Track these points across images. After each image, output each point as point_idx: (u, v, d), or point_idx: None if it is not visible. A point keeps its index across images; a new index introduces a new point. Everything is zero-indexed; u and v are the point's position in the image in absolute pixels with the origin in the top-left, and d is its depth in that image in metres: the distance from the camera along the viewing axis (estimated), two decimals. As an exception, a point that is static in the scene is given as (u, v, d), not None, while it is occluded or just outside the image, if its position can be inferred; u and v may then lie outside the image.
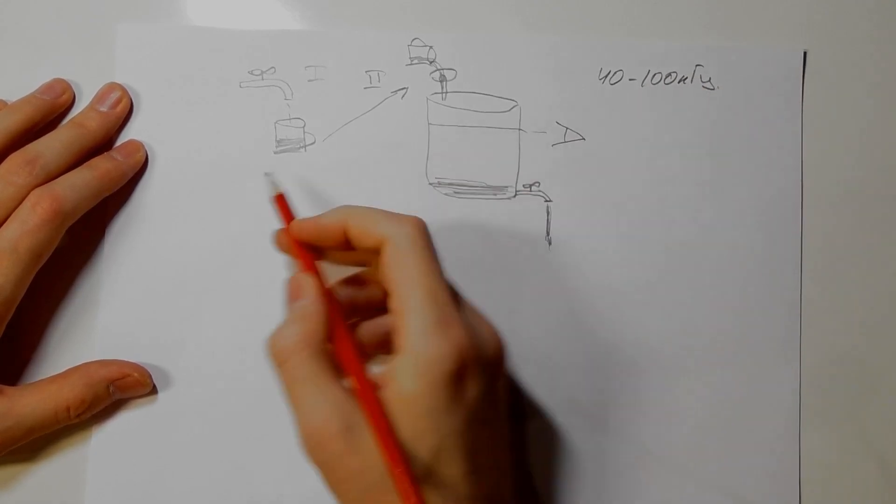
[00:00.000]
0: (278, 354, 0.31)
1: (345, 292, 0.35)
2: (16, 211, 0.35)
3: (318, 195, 0.39)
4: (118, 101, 0.39)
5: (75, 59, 0.40)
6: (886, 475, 0.40)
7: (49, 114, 0.38)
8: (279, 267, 0.39)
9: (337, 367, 0.31)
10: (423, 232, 0.32)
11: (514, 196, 0.40)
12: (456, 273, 0.39)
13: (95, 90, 0.39)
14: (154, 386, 0.38)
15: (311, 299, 0.32)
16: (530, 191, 0.40)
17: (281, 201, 0.35)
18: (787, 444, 0.39)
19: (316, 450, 0.30)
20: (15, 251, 0.34)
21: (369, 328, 0.35)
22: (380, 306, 0.35)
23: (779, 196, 0.40)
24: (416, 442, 0.29)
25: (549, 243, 0.39)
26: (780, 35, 0.41)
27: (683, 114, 0.40)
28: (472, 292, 0.38)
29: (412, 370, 0.29)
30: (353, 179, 0.39)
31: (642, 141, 0.40)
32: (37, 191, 0.35)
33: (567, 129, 0.40)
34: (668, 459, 0.39)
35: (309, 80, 0.40)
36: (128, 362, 0.38)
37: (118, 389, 0.37)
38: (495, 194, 0.40)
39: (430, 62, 0.40)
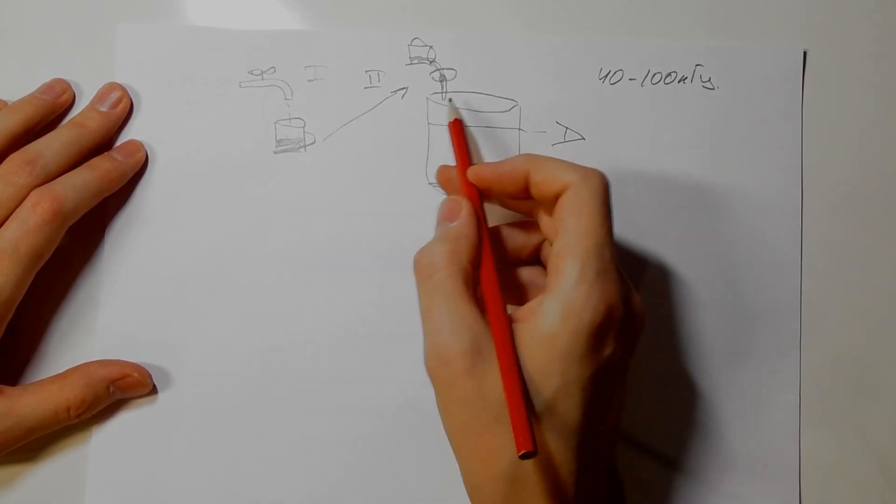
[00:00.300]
0: (423, 269, 0.32)
1: (503, 233, 0.36)
2: (16, 211, 0.35)
3: (317, 195, 0.39)
4: (118, 101, 0.39)
5: (75, 59, 0.40)
6: (886, 475, 0.40)
7: (49, 114, 0.38)
8: (279, 266, 0.39)
9: (477, 294, 0.32)
10: (605, 186, 0.32)
11: (514, 196, 0.39)
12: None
13: (95, 90, 0.39)
14: (154, 386, 0.38)
15: (463, 221, 0.33)
16: (530, 191, 0.39)
17: (457, 128, 0.36)
18: (787, 444, 0.39)
19: (438, 366, 0.30)
20: (15, 251, 0.34)
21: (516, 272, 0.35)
22: (529, 257, 0.35)
23: (779, 196, 0.40)
24: (541, 379, 0.30)
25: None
26: (780, 35, 0.41)
27: (683, 114, 0.40)
28: (472, 292, 0.38)
29: (560, 310, 0.30)
30: (353, 179, 0.39)
31: (642, 141, 0.40)
32: (37, 191, 0.35)
33: (567, 128, 0.40)
34: (668, 459, 0.39)
35: (309, 80, 0.40)
36: (128, 362, 0.38)
37: (118, 389, 0.37)
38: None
39: (430, 62, 0.40)
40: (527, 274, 0.36)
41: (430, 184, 0.39)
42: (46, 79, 0.39)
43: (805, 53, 0.41)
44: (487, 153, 0.40)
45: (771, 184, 0.40)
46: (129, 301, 0.39)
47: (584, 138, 0.40)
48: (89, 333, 0.39)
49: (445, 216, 0.34)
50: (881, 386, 0.40)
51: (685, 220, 0.40)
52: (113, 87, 0.39)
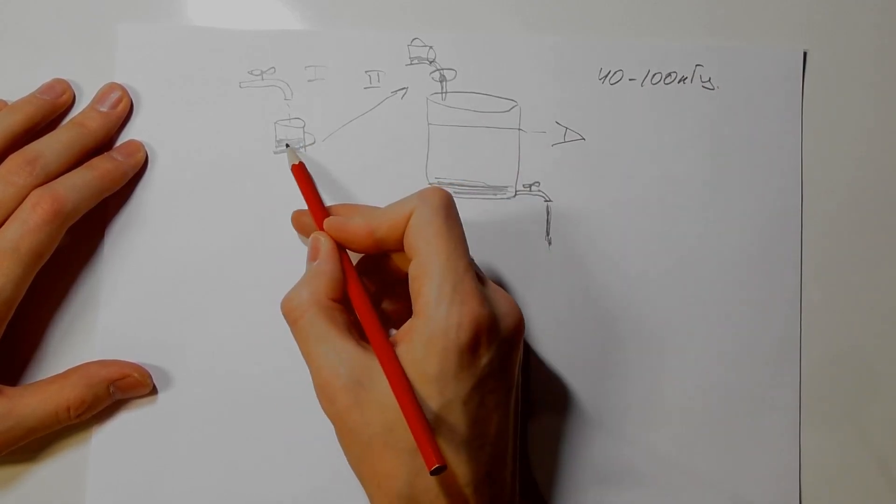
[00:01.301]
0: (289, 313, 0.32)
1: (374, 261, 0.36)
2: (16, 211, 0.35)
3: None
4: (118, 101, 0.39)
5: (75, 59, 0.40)
6: (886, 475, 0.40)
7: (49, 114, 0.38)
8: (279, 266, 0.39)
9: (351, 324, 0.32)
10: (447, 203, 0.32)
11: (514, 196, 0.40)
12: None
13: (95, 90, 0.39)
14: (154, 386, 0.38)
15: (322, 259, 0.33)
16: (530, 191, 0.40)
17: (300, 173, 0.36)
18: (787, 444, 0.39)
19: (326, 402, 0.31)
20: (16, 251, 0.34)
21: (389, 301, 0.36)
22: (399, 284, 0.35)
23: (779, 196, 0.40)
24: (422, 401, 0.30)
25: (549, 243, 0.39)
26: (780, 35, 0.41)
27: (683, 114, 0.40)
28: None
29: (426, 334, 0.30)
30: (353, 179, 0.39)
31: (642, 141, 0.40)
32: (37, 191, 0.35)
33: (567, 129, 0.40)
34: (669, 459, 0.39)
35: (309, 80, 0.40)
36: (128, 363, 0.38)
37: (118, 390, 0.37)
38: (495, 194, 0.40)
39: (430, 62, 0.40)
40: (391, 305, 0.36)
41: (430, 184, 0.39)
42: (46, 79, 0.39)
43: (805, 54, 0.41)
44: (487, 153, 0.40)
45: (771, 184, 0.40)
46: (129, 301, 0.39)
47: (584, 138, 0.40)
48: (89, 333, 0.39)
49: (309, 256, 0.34)
50: (881, 386, 0.40)
51: (685, 220, 0.40)
52: (113, 87, 0.39)
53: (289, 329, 0.38)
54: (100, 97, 0.39)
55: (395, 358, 0.30)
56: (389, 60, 0.40)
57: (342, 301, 0.33)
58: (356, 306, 0.33)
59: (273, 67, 0.40)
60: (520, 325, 0.33)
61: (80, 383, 0.36)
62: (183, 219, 0.39)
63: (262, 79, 0.40)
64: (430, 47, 0.40)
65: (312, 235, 0.34)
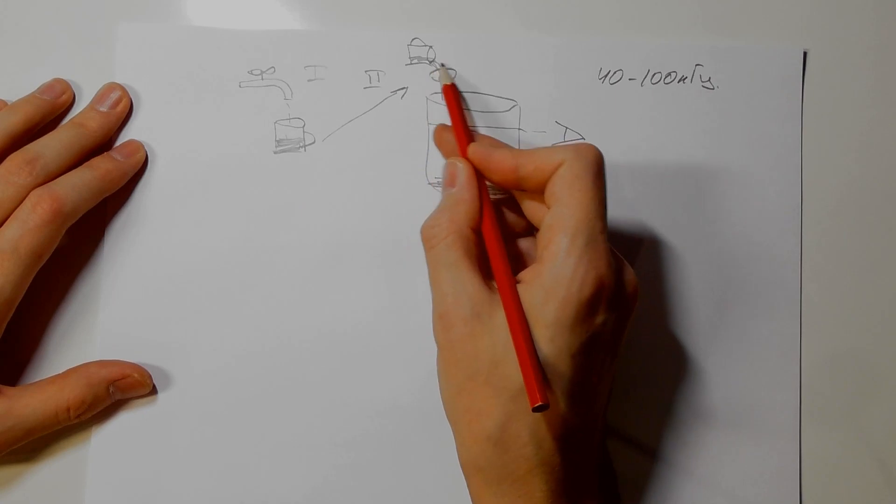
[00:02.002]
0: (427, 239, 0.33)
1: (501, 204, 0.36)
2: (16, 211, 0.35)
3: (317, 195, 0.39)
4: (118, 101, 0.39)
5: (75, 59, 0.40)
6: (886, 475, 0.40)
7: (49, 114, 0.38)
8: (279, 266, 0.39)
9: (481, 257, 0.33)
10: (599, 159, 0.33)
11: (514, 196, 0.40)
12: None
13: (95, 90, 0.39)
14: (154, 386, 0.38)
15: (462, 186, 0.34)
16: (530, 191, 0.39)
17: (450, 93, 0.37)
18: (787, 444, 0.39)
19: (441, 330, 0.32)
20: (15, 251, 0.34)
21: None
22: (524, 230, 0.36)
23: (779, 196, 0.40)
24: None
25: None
26: (780, 35, 0.41)
27: (683, 113, 0.40)
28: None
29: (548, 282, 0.31)
30: (353, 179, 0.39)
31: (642, 141, 0.40)
32: (37, 191, 0.35)
33: (567, 128, 0.40)
34: (669, 459, 0.39)
35: (309, 80, 0.40)
36: (128, 363, 0.38)
37: (118, 390, 0.37)
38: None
39: (430, 62, 0.40)
40: (524, 244, 0.37)
41: (429, 184, 0.39)
42: (46, 79, 0.39)
43: (805, 53, 0.41)
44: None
45: (771, 184, 0.40)
46: (129, 301, 0.39)
47: (583, 138, 0.40)
48: (89, 333, 0.39)
49: (446, 181, 0.35)
50: (881, 386, 0.40)
51: (685, 219, 0.40)
52: (113, 87, 0.39)
53: (293, 332, 0.39)
54: (99, 97, 0.39)
55: (517, 296, 0.31)
56: (389, 60, 0.40)
57: (478, 231, 0.33)
58: (487, 239, 0.33)
59: (273, 67, 0.40)
60: (636, 297, 0.33)
61: (80, 383, 0.36)
62: (183, 219, 0.39)
63: (262, 79, 0.40)
64: (430, 47, 0.40)
65: (450, 160, 0.35)
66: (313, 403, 0.39)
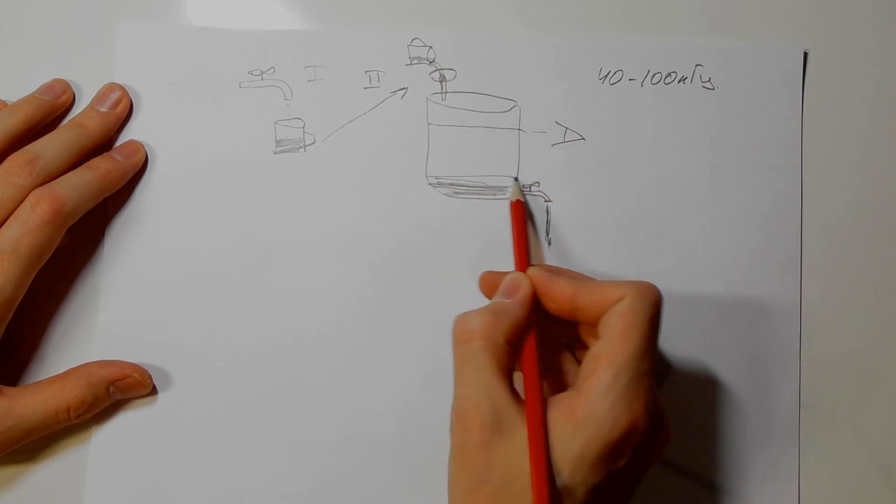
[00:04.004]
0: (459, 334, 0.32)
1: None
2: (16, 211, 0.35)
3: (317, 195, 0.39)
4: (118, 102, 0.39)
5: (75, 59, 0.40)
6: (886, 475, 0.40)
7: (49, 114, 0.38)
8: (279, 266, 0.39)
9: (511, 369, 0.32)
10: (658, 304, 0.32)
11: (514, 196, 0.40)
12: (455, 274, 0.39)
13: (95, 90, 0.39)
14: (154, 386, 0.38)
15: (516, 302, 0.33)
16: (530, 191, 0.40)
17: (518, 210, 0.37)
18: (787, 444, 0.39)
19: (458, 429, 0.31)
20: (15, 251, 0.34)
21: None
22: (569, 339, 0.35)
23: (779, 196, 0.40)
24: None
25: (549, 243, 0.39)
26: (780, 35, 0.41)
27: (683, 114, 0.40)
28: (472, 293, 0.38)
29: (579, 415, 0.30)
30: (353, 179, 0.39)
31: (642, 141, 0.40)
32: (37, 191, 0.35)
33: (567, 129, 0.40)
34: (669, 459, 0.39)
35: (309, 80, 0.40)
36: (128, 363, 0.38)
37: (118, 390, 0.37)
38: (495, 194, 0.40)
39: (430, 62, 0.40)
40: (565, 359, 0.36)
41: (429, 184, 0.39)
42: (46, 79, 0.39)
43: (805, 53, 0.41)
44: (487, 154, 0.39)
45: (771, 184, 0.40)
46: (129, 301, 0.39)
47: (583, 138, 0.40)
48: (89, 333, 0.39)
49: (504, 291, 0.34)
50: (881, 386, 0.40)
51: (685, 219, 0.40)
52: (113, 87, 0.39)
53: (293, 332, 0.39)
54: (99, 97, 0.39)
55: (544, 422, 0.30)
56: (389, 60, 0.40)
57: (514, 346, 0.32)
58: (524, 363, 0.32)
59: (273, 67, 0.40)
60: (666, 442, 0.33)
61: (80, 383, 0.36)
62: (183, 219, 0.39)
63: (262, 79, 0.40)
64: (430, 47, 0.40)
65: (515, 274, 0.34)
66: (313, 403, 0.39)
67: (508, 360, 0.32)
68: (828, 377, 0.40)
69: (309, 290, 0.39)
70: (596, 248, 0.39)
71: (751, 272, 0.40)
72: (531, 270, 0.34)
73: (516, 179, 0.39)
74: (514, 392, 0.31)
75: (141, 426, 0.38)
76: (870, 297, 0.40)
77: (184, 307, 0.39)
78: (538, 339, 0.33)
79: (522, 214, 0.37)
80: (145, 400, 0.38)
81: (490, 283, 0.37)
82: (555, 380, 0.35)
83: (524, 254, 0.35)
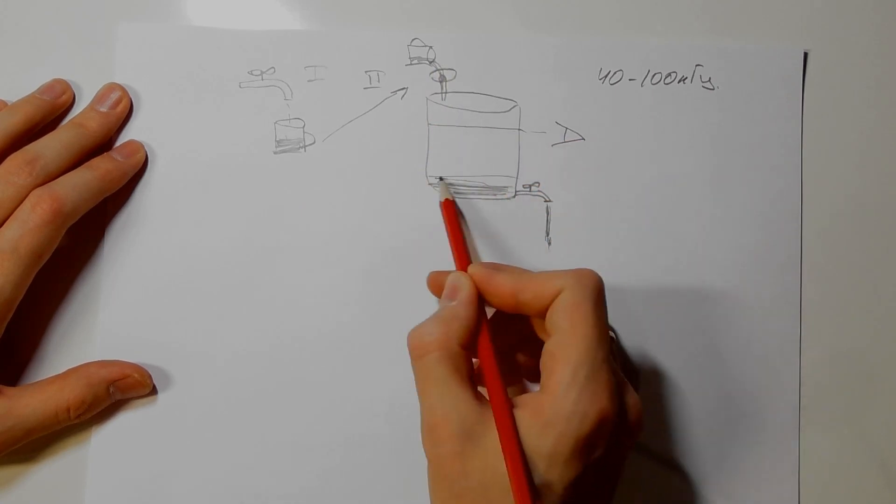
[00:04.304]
0: (415, 349, 0.32)
1: (500, 316, 0.35)
2: (16, 211, 0.35)
3: (317, 195, 0.39)
4: (118, 102, 0.39)
5: (75, 59, 0.40)
6: (886, 475, 0.40)
7: (49, 114, 0.38)
8: (279, 266, 0.39)
9: (472, 374, 0.32)
10: (599, 288, 0.32)
11: (514, 196, 0.40)
12: (456, 273, 0.39)
13: (95, 90, 0.39)
14: (154, 386, 0.38)
15: (461, 303, 0.33)
16: (530, 191, 0.40)
17: (449, 209, 0.36)
18: (787, 444, 0.39)
19: (429, 444, 0.31)
20: (15, 251, 0.34)
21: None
22: (526, 341, 0.35)
23: (779, 196, 0.40)
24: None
25: (549, 243, 0.39)
26: (780, 35, 0.41)
27: (683, 114, 0.40)
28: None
29: (546, 414, 0.30)
30: (353, 180, 0.39)
31: (642, 141, 0.40)
32: (37, 191, 0.35)
33: (567, 129, 0.40)
34: (668, 459, 0.39)
35: (309, 81, 0.40)
36: (128, 363, 0.38)
37: (118, 390, 0.37)
38: (495, 194, 0.40)
39: (430, 62, 0.40)
40: (522, 357, 0.36)
41: (429, 184, 0.39)
42: (46, 79, 0.39)
43: (805, 53, 0.41)
44: (487, 154, 0.40)
45: (771, 184, 0.40)
46: (129, 301, 0.39)
47: (583, 138, 0.40)
48: (89, 333, 0.39)
49: (447, 293, 0.33)
50: (881, 386, 0.40)
51: (685, 220, 0.40)
52: (113, 87, 0.39)
53: (293, 333, 0.39)
54: (99, 97, 0.39)
55: (513, 423, 0.30)
56: (389, 60, 0.40)
57: (469, 349, 0.32)
58: (483, 362, 0.32)
59: (273, 67, 0.40)
60: (640, 426, 0.32)
61: (80, 383, 0.36)
62: (183, 219, 0.39)
63: (262, 79, 0.40)
64: (430, 47, 0.40)
65: (454, 274, 0.34)
66: (313, 403, 0.39)
67: (467, 365, 0.32)
68: (828, 377, 0.40)
69: (309, 290, 0.39)
70: (596, 248, 0.39)
71: (751, 272, 0.40)
72: (472, 268, 0.34)
73: (441, 179, 0.39)
74: (478, 396, 0.31)
75: (141, 426, 0.38)
76: (870, 297, 0.40)
77: (184, 307, 0.39)
78: (492, 337, 0.33)
79: (454, 213, 0.37)
80: (145, 400, 0.38)
81: (437, 284, 0.37)
82: (517, 381, 0.35)
83: (462, 253, 0.35)
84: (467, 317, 0.32)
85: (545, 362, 0.31)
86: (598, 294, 0.32)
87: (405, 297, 0.39)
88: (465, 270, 0.34)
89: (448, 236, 0.36)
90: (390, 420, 0.39)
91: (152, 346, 0.38)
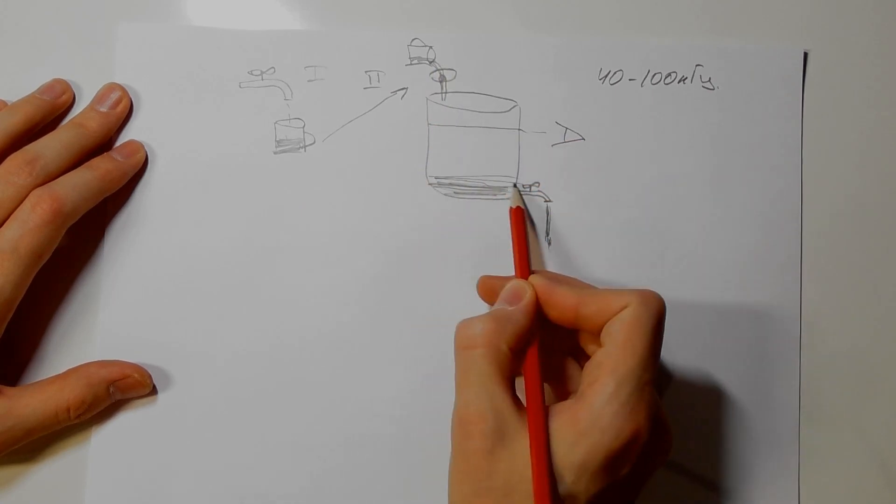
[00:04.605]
0: (461, 340, 0.32)
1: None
2: (16, 211, 0.35)
3: (317, 195, 0.39)
4: (118, 102, 0.39)
5: (75, 59, 0.40)
6: (886, 475, 0.40)
7: (49, 114, 0.38)
8: (279, 266, 0.39)
9: (513, 376, 0.32)
10: (662, 313, 0.32)
11: (514, 196, 0.40)
12: (455, 274, 0.39)
13: (95, 90, 0.39)
14: (154, 386, 0.38)
15: (520, 309, 0.32)
16: (530, 191, 0.40)
17: (518, 217, 0.36)
18: (786, 444, 0.39)
19: (459, 436, 0.31)
20: (15, 251, 0.34)
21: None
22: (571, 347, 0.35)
23: (779, 196, 0.40)
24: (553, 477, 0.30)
25: (549, 243, 0.39)
26: (780, 35, 0.41)
27: (683, 114, 0.40)
28: (472, 293, 0.38)
29: (582, 423, 0.30)
30: (353, 180, 0.39)
31: (642, 141, 0.40)
32: (37, 191, 0.35)
33: (567, 129, 0.40)
34: (670, 460, 0.39)
35: (309, 81, 0.40)
36: (128, 363, 0.38)
37: (118, 390, 0.37)
38: (495, 194, 0.40)
39: (430, 62, 0.40)
40: (567, 364, 0.36)
41: (429, 184, 0.39)
42: (46, 79, 0.39)
43: (805, 54, 0.41)
44: (487, 154, 0.40)
45: (771, 184, 0.40)
46: (129, 301, 0.39)
47: (583, 139, 0.40)
48: (89, 333, 0.39)
49: (506, 297, 0.33)
50: (881, 386, 0.40)
51: (685, 220, 0.40)
52: (113, 87, 0.39)
53: (293, 333, 0.39)
54: (99, 97, 0.39)
55: (546, 430, 0.30)
56: (389, 60, 0.40)
57: (517, 354, 0.32)
58: (527, 371, 0.32)
59: (273, 67, 0.40)
60: (668, 452, 0.33)
61: (80, 383, 0.36)
62: (183, 219, 0.39)
63: (262, 79, 0.40)
64: (430, 47, 0.40)
65: (517, 281, 0.34)
66: (313, 403, 0.39)
67: (511, 367, 0.31)
68: (828, 377, 0.40)
69: (309, 291, 0.39)
70: (596, 248, 0.39)
71: (751, 272, 0.40)
72: (534, 278, 0.34)
73: (515, 185, 0.39)
74: (516, 399, 0.31)
75: (141, 426, 0.38)
76: (870, 297, 0.40)
77: (184, 307, 0.39)
78: (538, 353, 0.33)
79: (522, 221, 0.37)
80: (145, 400, 0.38)
81: (489, 288, 0.37)
82: (555, 387, 0.35)
83: (525, 261, 0.35)
84: (524, 323, 0.32)
85: (590, 371, 0.31)
86: (659, 316, 0.31)
87: (405, 297, 0.39)
88: (526, 279, 0.34)
89: (513, 243, 0.36)
90: (390, 420, 0.39)
91: (152, 346, 0.38)
